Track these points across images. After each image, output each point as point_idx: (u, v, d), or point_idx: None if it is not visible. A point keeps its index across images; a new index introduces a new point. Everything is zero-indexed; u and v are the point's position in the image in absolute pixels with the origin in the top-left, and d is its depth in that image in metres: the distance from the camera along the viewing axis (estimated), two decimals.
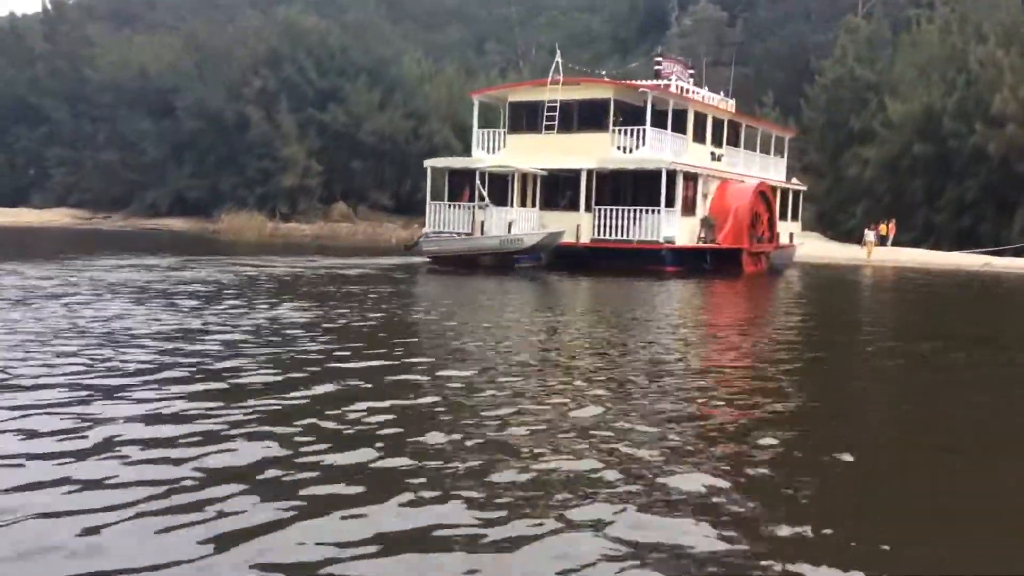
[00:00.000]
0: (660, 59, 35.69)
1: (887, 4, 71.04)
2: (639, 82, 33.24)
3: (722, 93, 39.68)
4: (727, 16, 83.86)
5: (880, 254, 43.29)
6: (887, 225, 47.19)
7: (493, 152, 31.73)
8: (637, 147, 29.94)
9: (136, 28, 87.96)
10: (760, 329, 15.27)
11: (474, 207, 29.34)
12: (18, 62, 69.90)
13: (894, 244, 46.53)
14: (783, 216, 38.53)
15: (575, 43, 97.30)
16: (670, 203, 29.29)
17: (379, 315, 14.49)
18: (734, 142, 35.77)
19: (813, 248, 44.60)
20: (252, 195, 63.02)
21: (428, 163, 31.68)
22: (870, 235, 43.39)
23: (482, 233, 28.57)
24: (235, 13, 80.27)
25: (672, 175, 29.30)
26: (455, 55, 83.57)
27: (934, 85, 49.81)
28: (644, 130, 29.73)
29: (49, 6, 71.99)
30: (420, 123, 65.79)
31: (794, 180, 40.96)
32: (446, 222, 30.40)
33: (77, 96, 68.96)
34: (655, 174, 28.94)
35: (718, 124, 34.28)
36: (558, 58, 30.76)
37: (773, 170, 39.11)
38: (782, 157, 40.65)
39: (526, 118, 31.10)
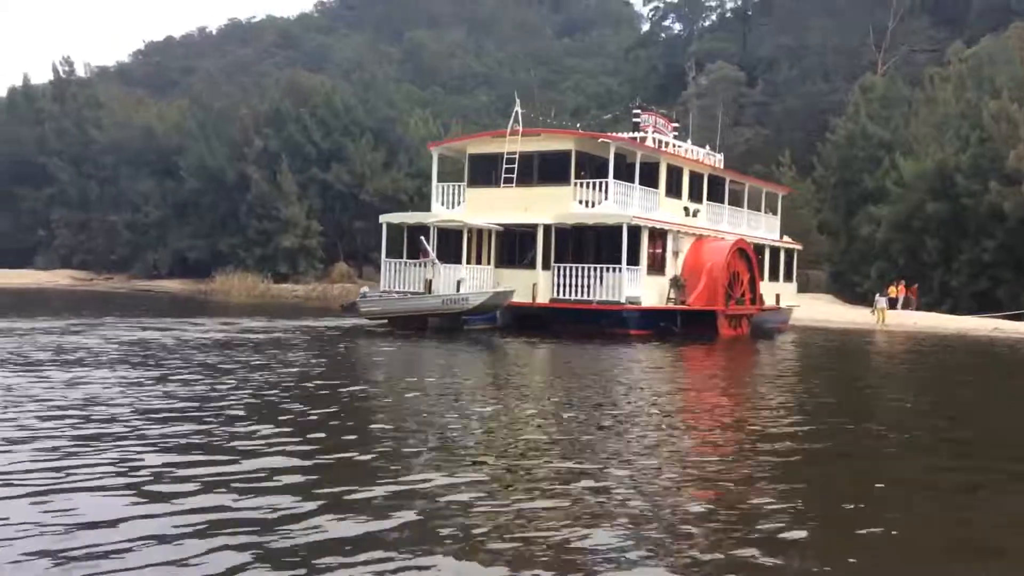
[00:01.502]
0: (639, 111, 33.85)
1: (908, 63, 69.10)
2: (602, 133, 31.34)
3: (719, 153, 37.79)
4: (745, 76, 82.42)
5: (891, 318, 40.64)
6: (896, 287, 44.53)
7: (452, 207, 29.97)
8: (600, 201, 27.96)
9: (171, 95, 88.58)
10: (697, 416, 13.02)
11: (419, 264, 27.47)
12: (27, 122, 70.13)
13: (916, 308, 43.89)
14: (775, 276, 36.22)
15: (596, 104, 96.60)
16: (634, 261, 27.19)
17: (229, 389, 12.54)
18: (716, 198, 33.66)
19: (816, 311, 42.08)
20: (251, 256, 61.89)
21: (384, 218, 29.89)
22: (881, 300, 40.62)
23: (429, 292, 26.64)
24: (266, 80, 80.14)
25: (635, 231, 27.23)
26: (481, 119, 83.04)
27: (948, 142, 47.48)
28: (607, 183, 27.76)
29: (59, 68, 72.50)
30: (425, 182, 64.40)
31: (786, 238, 38.67)
32: (402, 280, 28.48)
33: (83, 157, 68.88)
34: (616, 230, 26.90)
35: (696, 178, 32.24)
36: (517, 107, 29.06)
37: (764, 228, 36.90)
38: (775, 215, 38.43)
39: (485, 171, 29.32)
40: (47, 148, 69.16)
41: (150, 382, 12.50)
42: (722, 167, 36.47)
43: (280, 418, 10.12)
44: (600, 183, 27.96)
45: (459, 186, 30.23)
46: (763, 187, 38.22)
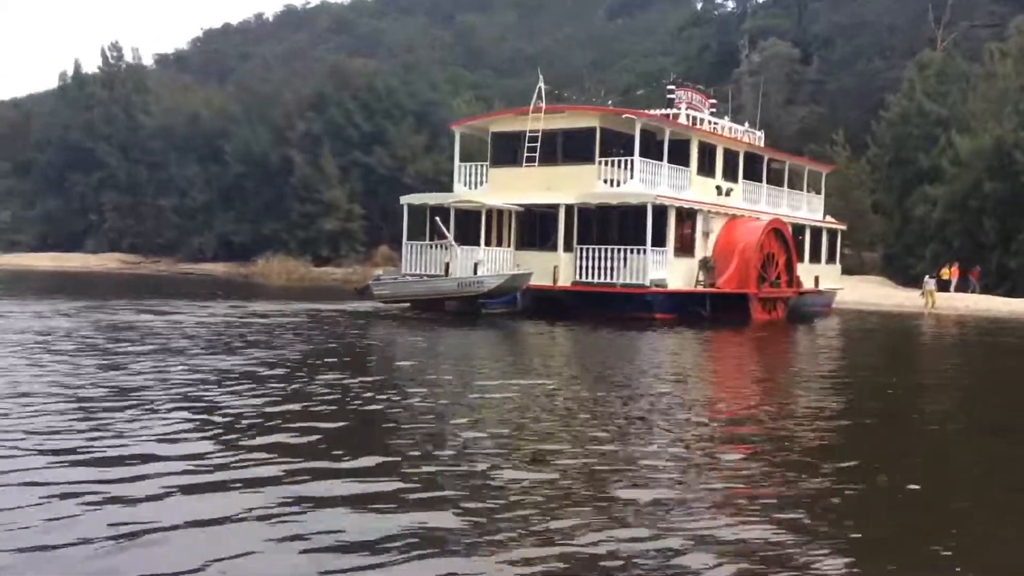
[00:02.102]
0: (672, 87, 32.64)
1: (968, 39, 66.31)
2: (628, 109, 30.15)
3: (758, 131, 36.38)
4: (800, 53, 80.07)
5: (941, 301, 38.88)
6: (949, 269, 42.65)
7: (475, 187, 29.16)
8: (625, 180, 26.90)
9: (227, 82, 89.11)
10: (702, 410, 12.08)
11: (437, 246, 26.74)
12: (77, 108, 70.99)
13: (976, 291, 42.06)
14: (816, 258, 34.78)
15: (646, 83, 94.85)
16: (660, 242, 26.12)
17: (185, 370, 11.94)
18: (754, 177, 32.31)
19: (865, 293, 40.51)
20: (294, 239, 61.96)
21: (405, 199, 29.16)
22: (930, 283, 38.79)
23: (446, 274, 25.91)
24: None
25: (661, 210, 26.14)
26: (528, 101, 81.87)
27: (1006, 117, 45.31)
28: (632, 161, 26.67)
29: (108, 54, 73.14)
30: None
31: (829, 218, 37.12)
32: (423, 263, 27.76)
33: (131, 142, 69.54)
34: (640, 209, 25.84)
35: (731, 156, 30.92)
36: (540, 84, 28.05)
37: (806, 208, 35.43)
38: (818, 194, 36.92)
39: (508, 150, 28.41)
40: (96, 133, 69.92)
41: (69, 367, 11.84)
42: (762, 144, 35.10)
43: (187, 411, 9.46)
44: (625, 161, 26.88)
45: (482, 166, 29.38)
46: (805, 165, 36.72)
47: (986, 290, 43.38)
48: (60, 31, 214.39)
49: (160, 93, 70.99)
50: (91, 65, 74.72)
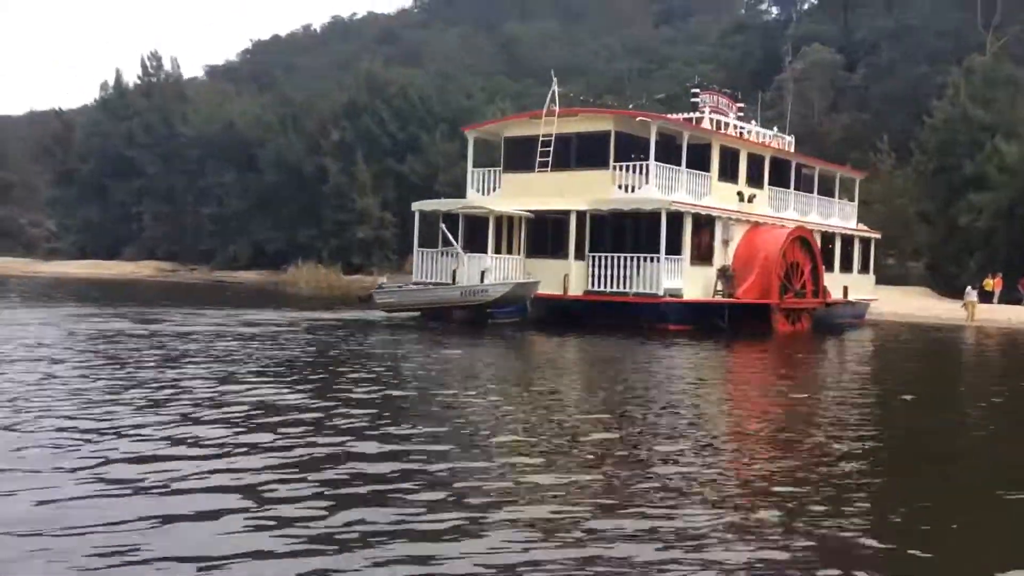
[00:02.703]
0: (697, 90, 31.65)
1: (1019, 42, 64.18)
2: (644, 111, 29.18)
3: (789, 135, 35.21)
4: (844, 60, 78.33)
5: (984, 313, 37.27)
6: (993, 279, 40.96)
7: (487, 193, 28.43)
8: (641, 186, 25.95)
9: (272, 94, 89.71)
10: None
11: (445, 254, 26.04)
12: (117, 117, 71.74)
13: (1003, 301, 40.31)
14: (847, 267, 33.47)
15: (687, 92, 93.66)
16: (675, 250, 25.14)
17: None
18: (781, 183, 31.15)
19: (902, 304, 39.00)
20: (328, 247, 61.80)
21: (416, 205, 28.49)
22: (972, 294, 37.11)
23: (454, 283, 25.17)
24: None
25: (677, 217, 25.15)
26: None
27: None
28: (647, 166, 25.73)
29: (148, 63, 73.86)
30: None
31: (862, 226, 35.76)
32: (434, 270, 27.04)
33: (169, 151, 70.06)
34: (655, 216, 24.89)
35: (755, 161, 29.80)
36: (554, 87, 27.24)
37: (838, 215, 34.15)
38: (851, 201, 35.59)
39: (521, 155, 27.62)
40: (135, 142, 70.57)
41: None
42: (792, 150, 33.91)
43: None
44: (641, 166, 25.95)
45: (495, 171, 28.65)
46: (837, 171, 35.41)
47: None
48: (111, 43, 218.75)
49: (198, 102, 71.40)
50: (133, 75, 75.48)
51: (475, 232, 26.27)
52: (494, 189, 28.39)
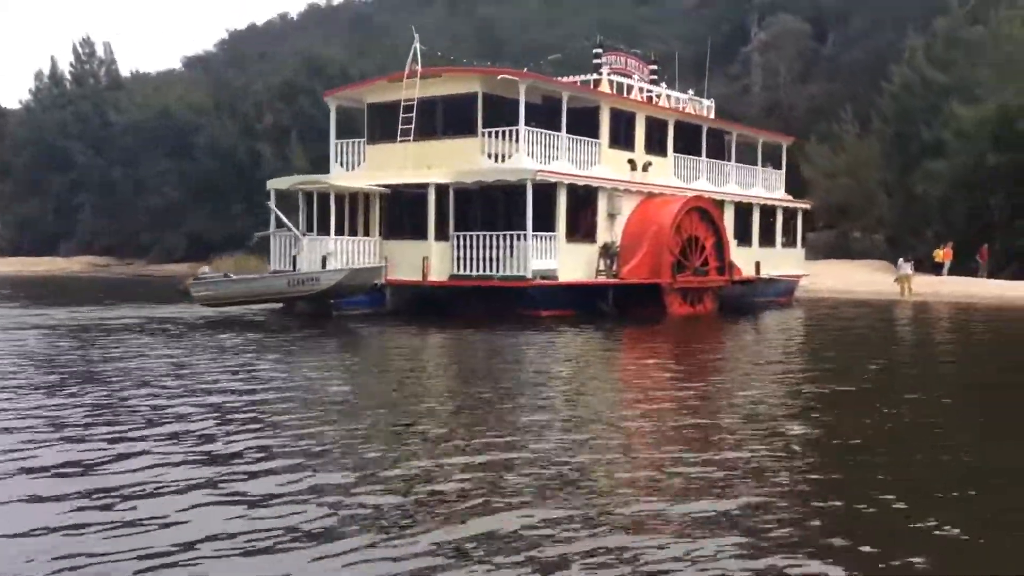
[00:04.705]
0: (599, 50, 28.63)
1: (987, 4, 60.89)
2: (510, 69, 26.05)
3: (705, 101, 32.19)
4: (811, 29, 75.21)
5: (929, 287, 34.42)
6: (942, 250, 38.11)
7: (352, 168, 25.49)
8: (511, 154, 22.99)
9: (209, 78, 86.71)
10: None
11: (283, 237, 23.15)
12: (51, 107, 68.81)
13: (980, 273, 37.56)
14: (768, 241, 30.51)
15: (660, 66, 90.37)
16: (547, 226, 22.21)
17: None
18: (691, 150, 28.14)
19: (842, 280, 36.12)
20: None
21: (272, 183, 25.52)
22: (906, 267, 34.29)
23: (294, 269, 22.28)
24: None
25: (546, 188, 22.22)
26: None
27: (1010, 83, 40.49)
28: (516, 131, 22.75)
29: (80, 50, 70.73)
30: None
31: (788, 196, 32.79)
32: (288, 257, 24.04)
33: (103, 140, 67.11)
34: (521, 188, 21.93)
35: (656, 126, 26.76)
36: (416, 44, 24.25)
37: (761, 184, 31.16)
38: (777, 168, 32.61)
39: (386, 123, 24.62)
40: (68, 132, 67.60)
41: None
42: (712, 115, 30.90)
43: None
44: (512, 131, 22.96)
45: (360, 143, 25.66)
46: (760, 136, 32.36)
47: (991, 274, 38.80)
48: (62, 36, 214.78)
49: (131, 88, 68.39)
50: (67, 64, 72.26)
51: (326, 212, 23.32)
52: (359, 162, 25.44)
